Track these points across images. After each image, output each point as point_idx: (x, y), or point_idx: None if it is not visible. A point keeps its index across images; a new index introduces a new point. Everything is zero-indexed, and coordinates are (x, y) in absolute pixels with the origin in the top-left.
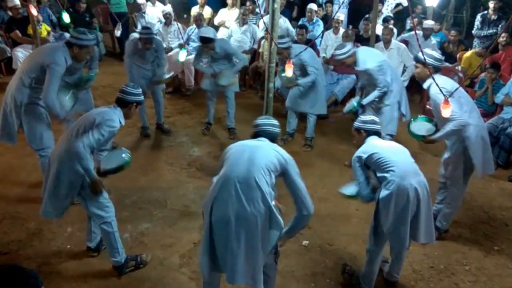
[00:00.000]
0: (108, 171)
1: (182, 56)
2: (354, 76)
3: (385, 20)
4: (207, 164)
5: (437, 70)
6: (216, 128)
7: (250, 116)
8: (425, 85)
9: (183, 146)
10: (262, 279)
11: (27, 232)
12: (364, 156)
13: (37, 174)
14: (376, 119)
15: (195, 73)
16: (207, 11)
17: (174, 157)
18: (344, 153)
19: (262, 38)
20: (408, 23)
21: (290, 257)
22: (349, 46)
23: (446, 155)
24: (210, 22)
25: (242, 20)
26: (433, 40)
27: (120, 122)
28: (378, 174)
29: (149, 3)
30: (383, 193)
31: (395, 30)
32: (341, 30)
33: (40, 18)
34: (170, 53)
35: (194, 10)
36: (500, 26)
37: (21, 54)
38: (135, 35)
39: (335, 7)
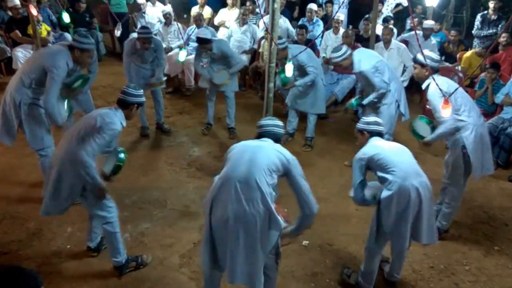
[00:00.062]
0: (109, 174)
1: (182, 56)
2: (354, 76)
3: (385, 20)
4: (207, 164)
5: (435, 70)
6: (216, 128)
7: (250, 116)
8: (423, 86)
9: (183, 146)
10: (262, 279)
11: (27, 232)
12: (366, 157)
13: (37, 174)
14: (379, 120)
15: (195, 73)
16: (207, 11)
17: (174, 157)
18: (344, 153)
19: (262, 38)
20: (408, 23)
21: (290, 257)
22: (344, 48)
23: (446, 155)
24: (210, 22)
25: (242, 20)
26: (433, 40)
27: (122, 124)
28: (380, 175)
29: (149, 3)
30: (385, 193)
31: (395, 30)
32: (341, 30)
33: (40, 18)
34: (170, 53)
35: (194, 10)
36: (500, 26)
37: (21, 54)
38: (134, 35)
39: (335, 7)
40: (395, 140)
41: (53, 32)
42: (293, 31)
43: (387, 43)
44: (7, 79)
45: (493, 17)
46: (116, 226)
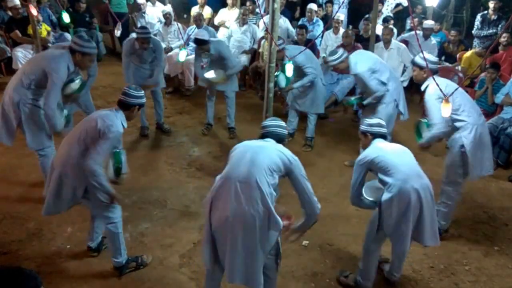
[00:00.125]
0: (115, 178)
1: (182, 56)
2: None
3: (385, 20)
4: (207, 164)
5: (434, 72)
6: (216, 128)
7: (250, 116)
8: (422, 88)
9: (183, 146)
10: (262, 279)
11: (27, 232)
12: (367, 160)
13: (36, 174)
14: (382, 122)
15: (195, 73)
16: (207, 11)
17: (174, 157)
18: (344, 153)
19: (262, 38)
20: (408, 23)
21: (290, 257)
22: (340, 51)
23: (446, 155)
24: (210, 22)
25: (242, 20)
26: (433, 40)
27: (123, 125)
28: (381, 177)
29: (149, 3)
30: (385, 196)
31: (395, 30)
32: (341, 30)
33: (40, 18)
34: (170, 53)
35: (194, 10)
36: (500, 26)
37: (21, 54)
38: (134, 35)
39: (335, 7)
40: (394, 140)
41: (53, 32)
42: (293, 31)
43: (387, 43)
44: (7, 79)
45: (493, 17)
46: (119, 226)
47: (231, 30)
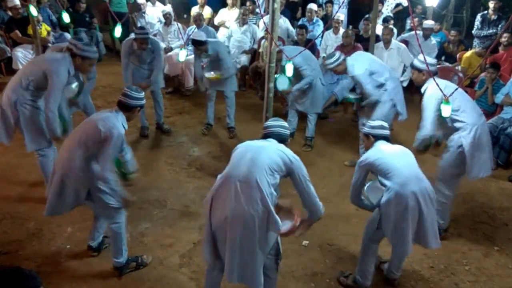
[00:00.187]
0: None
1: (182, 56)
2: None
3: (385, 20)
4: (207, 164)
5: (434, 73)
6: (216, 128)
7: (250, 116)
8: (422, 90)
9: (183, 146)
10: (262, 279)
11: (27, 232)
12: (367, 162)
13: (36, 174)
14: (385, 124)
15: (194, 73)
16: (207, 11)
17: (174, 157)
18: (344, 153)
19: (262, 38)
20: (408, 23)
21: (290, 257)
22: (337, 54)
23: (443, 154)
24: (210, 22)
25: (242, 20)
26: (433, 40)
27: (124, 127)
28: (380, 180)
29: (149, 3)
30: (383, 198)
31: (395, 30)
32: (341, 30)
33: (40, 18)
34: (170, 53)
35: (194, 10)
36: (500, 26)
37: (21, 54)
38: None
39: (335, 7)
40: (394, 140)
41: (53, 32)
42: (293, 31)
43: (387, 43)
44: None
45: (493, 17)
46: (123, 227)
47: (231, 30)
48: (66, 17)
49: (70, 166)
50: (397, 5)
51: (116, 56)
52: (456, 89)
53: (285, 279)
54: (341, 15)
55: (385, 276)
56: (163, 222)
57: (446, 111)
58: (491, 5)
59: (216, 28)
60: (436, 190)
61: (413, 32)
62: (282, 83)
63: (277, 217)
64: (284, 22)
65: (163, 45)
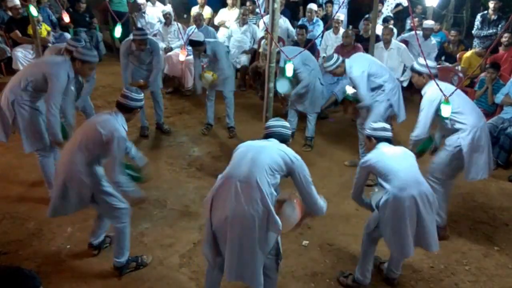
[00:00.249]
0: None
1: (182, 56)
2: None
3: (385, 20)
4: (207, 164)
5: (434, 76)
6: (216, 128)
7: (250, 116)
8: (422, 92)
9: (183, 146)
10: (262, 279)
11: (27, 232)
12: (367, 164)
13: (36, 174)
14: (387, 126)
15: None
16: (207, 11)
17: (174, 157)
18: (344, 153)
19: (262, 38)
20: (408, 23)
21: (290, 257)
22: (336, 56)
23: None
24: (210, 22)
25: (242, 20)
26: (433, 40)
27: (124, 128)
28: (380, 182)
29: (149, 3)
30: (382, 200)
31: (395, 30)
32: (341, 30)
33: (40, 18)
34: (170, 53)
35: (194, 10)
36: (500, 26)
37: (21, 54)
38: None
39: (335, 7)
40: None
41: (53, 32)
42: (293, 31)
43: (387, 43)
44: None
45: (493, 17)
46: (128, 226)
47: (231, 30)
48: (66, 17)
49: (71, 169)
50: (397, 5)
51: (116, 56)
52: (455, 90)
53: (285, 279)
54: (341, 15)
55: (384, 276)
56: (163, 222)
57: (446, 111)
58: (491, 5)
59: (216, 28)
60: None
61: (413, 32)
62: (282, 86)
63: (277, 217)
64: (284, 22)
65: (163, 45)
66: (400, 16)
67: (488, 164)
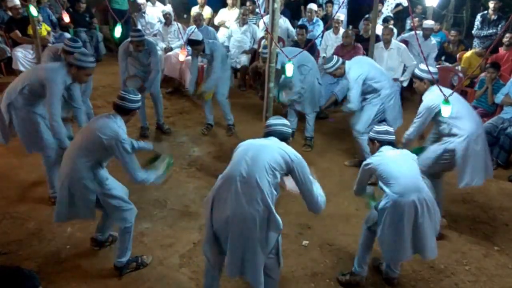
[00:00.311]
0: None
1: (182, 56)
2: None
3: (385, 20)
4: (207, 164)
5: (433, 82)
6: (216, 128)
7: (250, 116)
8: (423, 97)
9: (183, 146)
10: (262, 279)
11: (27, 232)
12: (369, 167)
13: (36, 174)
14: (390, 129)
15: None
16: (207, 11)
17: (174, 157)
18: (344, 153)
19: (262, 38)
20: (408, 23)
21: (290, 257)
22: (335, 58)
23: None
24: (210, 22)
25: (242, 20)
26: (433, 40)
27: (123, 130)
28: (380, 185)
29: (149, 3)
30: (381, 204)
31: (395, 30)
32: (341, 30)
33: (40, 18)
34: (169, 53)
35: (194, 10)
36: (500, 26)
37: (21, 54)
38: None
39: (335, 7)
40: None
41: (53, 32)
42: (293, 31)
43: (387, 43)
44: (7, 79)
45: (493, 17)
46: (132, 228)
47: (231, 30)
48: (66, 18)
49: (74, 176)
50: (397, 5)
51: (116, 55)
52: (452, 93)
53: (285, 279)
54: (341, 15)
55: (384, 276)
56: (163, 222)
57: (446, 111)
58: (491, 5)
59: (216, 28)
60: None
61: (413, 32)
62: (279, 96)
63: (277, 217)
64: (284, 22)
65: (163, 45)
66: (400, 16)
67: (485, 170)
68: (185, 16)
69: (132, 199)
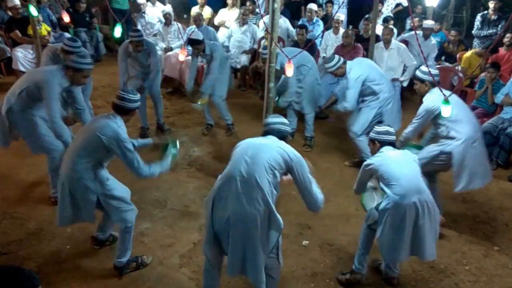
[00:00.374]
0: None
1: (182, 56)
2: None
3: (385, 20)
4: (207, 164)
5: (434, 84)
6: (216, 128)
7: (250, 116)
8: (424, 99)
9: (183, 146)
10: (264, 278)
11: (27, 232)
12: (370, 167)
13: (36, 174)
14: (391, 129)
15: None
16: (207, 11)
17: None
18: (344, 153)
19: (262, 38)
20: (408, 23)
21: (290, 257)
22: (337, 57)
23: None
24: (210, 22)
25: (242, 20)
26: (433, 40)
27: (123, 130)
28: (381, 186)
29: (149, 3)
30: (382, 205)
31: (395, 30)
32: (341, 30)
33: (40, 18)
34: (169, 53)
35: (194, 10)
36: (500, 26)
37: (21, 54)
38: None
39: (335, 7)
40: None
41: (53, 32)
42: (293, 31)
43: (387, 43)
44: (7, 79)
45: (493, 17)
46: (132, 228)
47: (231, 30)
48: (66, 18)
49: (74, 175)
50: (397, 5)
51: (116, 55)
52: (451, 93)
53: (285, 279)
54: (341, 15)
55: (384, 276)
56: (163, 222)
57: (446, 112)
58: (491, 5)
59: (216, 28)
60: None
61: (413, 32)
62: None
63: (278, 216)
64: (284, 22)
65: (163, 45)
66: (400, 16)
67: (483, 175)
68: (185, 16)
69: (132, 199)
